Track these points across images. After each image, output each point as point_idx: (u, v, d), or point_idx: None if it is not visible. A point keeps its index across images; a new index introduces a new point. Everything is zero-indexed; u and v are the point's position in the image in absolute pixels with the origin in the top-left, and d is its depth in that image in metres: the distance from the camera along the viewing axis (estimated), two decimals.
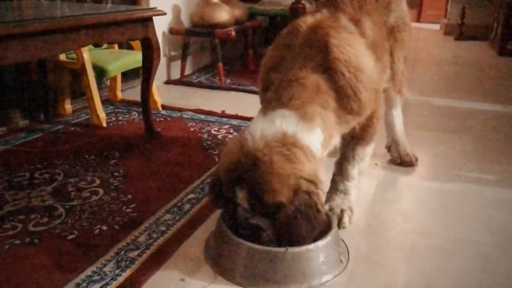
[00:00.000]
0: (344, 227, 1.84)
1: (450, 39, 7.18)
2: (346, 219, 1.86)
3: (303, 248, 1.53)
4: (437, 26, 8.63)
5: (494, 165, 2.49)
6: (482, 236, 1.83)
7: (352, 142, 1.90)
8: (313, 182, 1.52)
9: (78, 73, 2.98)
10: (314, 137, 1.58)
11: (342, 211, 1.87)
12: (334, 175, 1.96)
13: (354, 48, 1.69)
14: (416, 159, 2.47)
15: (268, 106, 1.64)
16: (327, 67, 1.65)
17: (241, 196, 1.51)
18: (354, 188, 1.94)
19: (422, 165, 2.47)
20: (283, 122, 1.54)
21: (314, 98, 1.61)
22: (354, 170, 1.92)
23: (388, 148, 2.51)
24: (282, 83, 1.65)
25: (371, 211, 2.00)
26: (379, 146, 2.56)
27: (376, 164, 2.44)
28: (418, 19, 9.51)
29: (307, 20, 1.75)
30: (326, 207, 1.84)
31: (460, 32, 7.07)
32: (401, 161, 2.45)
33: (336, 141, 1.74)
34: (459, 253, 1.72)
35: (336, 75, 1.64)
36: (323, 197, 1.58)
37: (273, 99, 1.64)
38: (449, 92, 4.00)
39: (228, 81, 4.16)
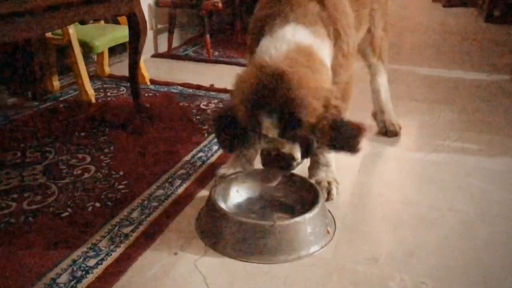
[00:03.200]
0: (332, 199, 1.90)
1: (438, 5, 7.14)
2: (334, 190, 1.92)
3: (291, 220, 1.60)
4: None
5: (477, 135, 2.55)
6: (463, 204, 1.90)
7: None
8: (334, 95, 1.49)
9: (64, 49, 2.96)
10: (325, 52, 1.56)
11: (329, 183, 1.92)
12: None
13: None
14: (400, 128, 2.52)
15: (272, 27, 1.58)
16: (323, 4, 1.64)
17: (269, 122, 1.42)
18: (333, 158, 1.98)
19: (407, 136, 2.53)
20: (295, 34, 1.51)
21: (319, 24, 1.61)
22: None
23: (374, 116, 2.55)
24: (286, 8, 1.60)
25: (357, 183, 2.07)
26: (364, 118, 2.61)
27: None
28: None
29: None
30: (312, 181, 1.90)
31: None
32: (386, 130, 2.50)
33: None
34: (441, 221, 1.79)
35: (331, 17, 1.65)
36: None
37: (276, 21, 1.58)
38: (435, 61, 4.02)
39: (216, 53, 4.14)
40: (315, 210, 1.65)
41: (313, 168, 1.98)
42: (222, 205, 1.72)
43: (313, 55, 1.50)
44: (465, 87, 3.33)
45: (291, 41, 1.49)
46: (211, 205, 1.70)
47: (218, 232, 1.63)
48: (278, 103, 1.39)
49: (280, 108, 1.39)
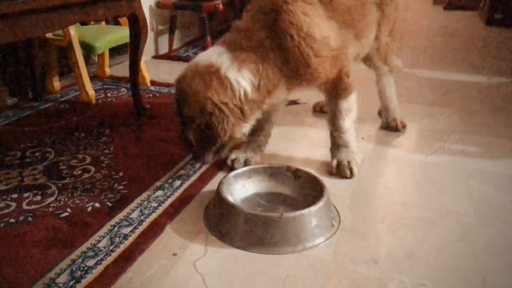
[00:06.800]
0: (355, 176, 2.08)
1: (439, 8, 7.14)
2: (355, 169, 2.09)
3: (297, 213, 1.65)
4: None
5: (478, 137, 2.55)
6: (463, 207, 1.90)
7: (332, 98, 2.07)
8: (219, 107, 1.78)
9: (65, 50, 2.97)
10: (242, 76, 1.82)
11: (349, 162, 2.09)
12: (330, 132, 2.13)
13: (309, 17, 1.86)
14: (404, 126, 2.60)
15: (215, 44, 1.94)
16: (278, 28, 1.84)
17: (176, 110, 1.89)
18: (352, 137, 2.12)
19: (407, 138, 2.53)
20: (215, 55, 1.84)
21: (254, 49, 1.85)
22: (345, 123, 2.09)
23: (379, 113, 2.67)
24: (234, 30, 1.92)
25: (357, 184, 2.06)
26: (365, 120, 2.63)
27: (362, 138, 2.49)
28: None
29: None
30: (334, 162, 2.10)
31: (449, 1, 7.03)
32: (387, 125, 2.60)
33: (282, 93, 1.97)
34: (441, 224, 1.79)
35: (284, 37, 1.84)
36: (230, 125, 1.83)
37: (221, 40, 1.93)
38: (435, 64, 4.02)
39: None
40: (320, 203, 1.69)
41: (333, 149, 2.14)
42: (230, 198, 1.75)
43: (217, 73, 1.80)
44: (465, 90, 3.33)
45: (207, 59, 1.85)
46: (219, 198, 1.73)
47: (227, 224, 1.66)
48: (176, 99, 1.89)
49: (176, 98, 1.89)
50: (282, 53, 1.85)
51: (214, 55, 1.85)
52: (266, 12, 1.88)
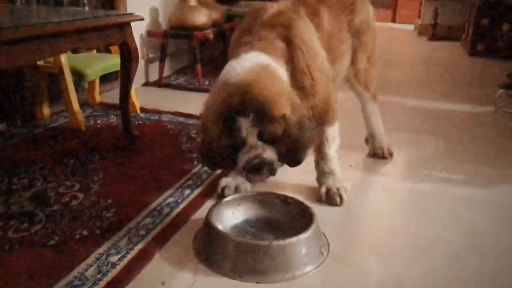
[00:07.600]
0: (343, 203, 2.09)
1: (424, 39, 7.33)
2: (344, 196, 2.11)
3: (287, 241, 1.65)
4: (411, 27, 8.79)
5: (463, 165, 2.59)
6: (450, 234, 1.92)
7: (319, 126, 2.09)
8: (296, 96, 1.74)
9: (55, 76, 2.98)
10: (283, 73, 1.79)
11: (338, 189, 2.11)
12: (316, 161, 2.17)
13: (310, 36, 1.94)
14: (391, 154, 2.64)
15: (238, 54, 1.81)
16: (289, 41, 1.88)
17: (247, 123, 1.61)
18: (337, 164, 2.16)
19: (394, 166, 2.57)
20: (258, 57, 1.75)
21: (280, 56, 1.84)
22: (331, 150, 2.14)
23: (366, 141, 2.71)
24: (254, 40, 1.86)
25: (345, 212, 2.08)
26: (353, 148, 2.66)
27: (350, 166, 2.51)
28: (393, 20, 9.64)
29: (274, 5, 1.99)
30: (323, 190, 2.12)
31: (433, 32, 7.23)
32: (374, 153, 2.64)
33: None
34: (429, 252, 1.80)
35: (296, 51, 1.87)
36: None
37: (245, 49, 1.83)
38: (421, 93, 4.11)
39: (207, 82, 4.19)
40: (310, 231, 1.69)
41: (320, 177, 2.17)
42: (219, 226, 1.75)
43: (271, 70, 1.73)
44: (450, 118, 3.40)
45: (253, 60, 1.73)
46: (208, 226, 1.73)
47: (216, 253, 1.66)
48: (251, 105, 1.61)
49: (253, 108, 1.61)
50: (293, 64, 1.88)
51: (252, 56, 1.75)
52: (275, 26, 1.90)
